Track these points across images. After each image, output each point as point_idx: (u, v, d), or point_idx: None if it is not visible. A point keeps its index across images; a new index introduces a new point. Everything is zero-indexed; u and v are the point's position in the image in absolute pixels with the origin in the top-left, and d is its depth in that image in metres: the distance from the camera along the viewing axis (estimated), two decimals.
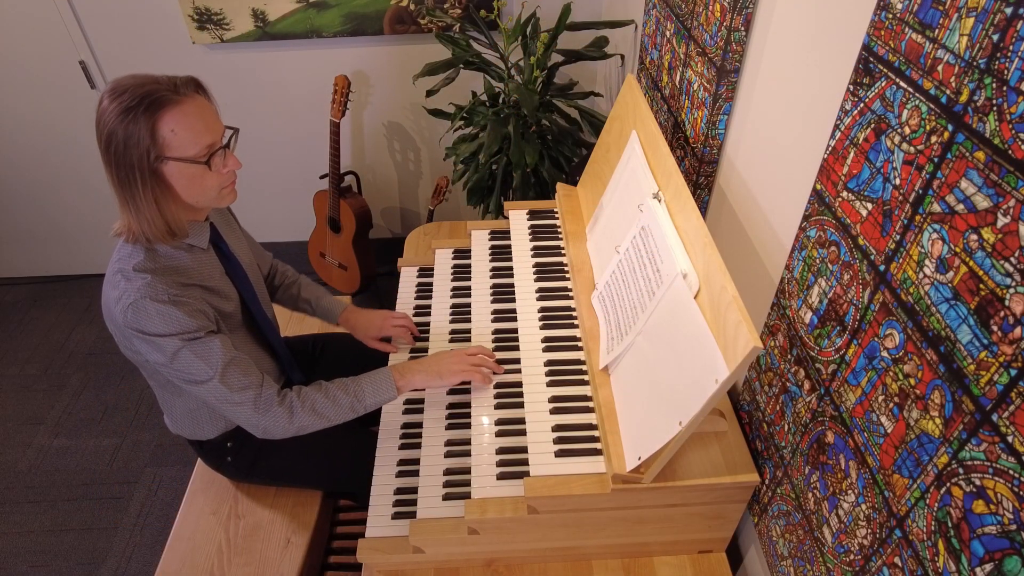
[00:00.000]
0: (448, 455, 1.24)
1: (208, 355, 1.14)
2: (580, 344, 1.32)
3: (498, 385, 1.29)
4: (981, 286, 0.62)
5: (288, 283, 1.59)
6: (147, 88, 1.04)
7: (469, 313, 1.47)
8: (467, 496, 1.14)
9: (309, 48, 2.45)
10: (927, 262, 0.69)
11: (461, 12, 2.34)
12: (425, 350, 1.45)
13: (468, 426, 1.26)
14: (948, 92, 0.65)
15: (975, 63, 0.61)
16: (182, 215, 1.16)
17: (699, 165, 1.34)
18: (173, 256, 1.17)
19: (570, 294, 1.43)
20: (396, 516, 1.19)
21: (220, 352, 1.15)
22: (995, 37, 0.58)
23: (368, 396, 1.26)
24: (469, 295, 1.52)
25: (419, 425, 1.31)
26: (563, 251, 1.54)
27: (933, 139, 0.67)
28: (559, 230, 1.61)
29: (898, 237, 0.74)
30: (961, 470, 0.65)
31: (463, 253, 1.66)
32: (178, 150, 1.07)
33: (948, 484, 0.67)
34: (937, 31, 0.66)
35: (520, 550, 1.17)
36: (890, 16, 0.73)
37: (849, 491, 0.86)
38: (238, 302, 1.31)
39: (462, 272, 1.61)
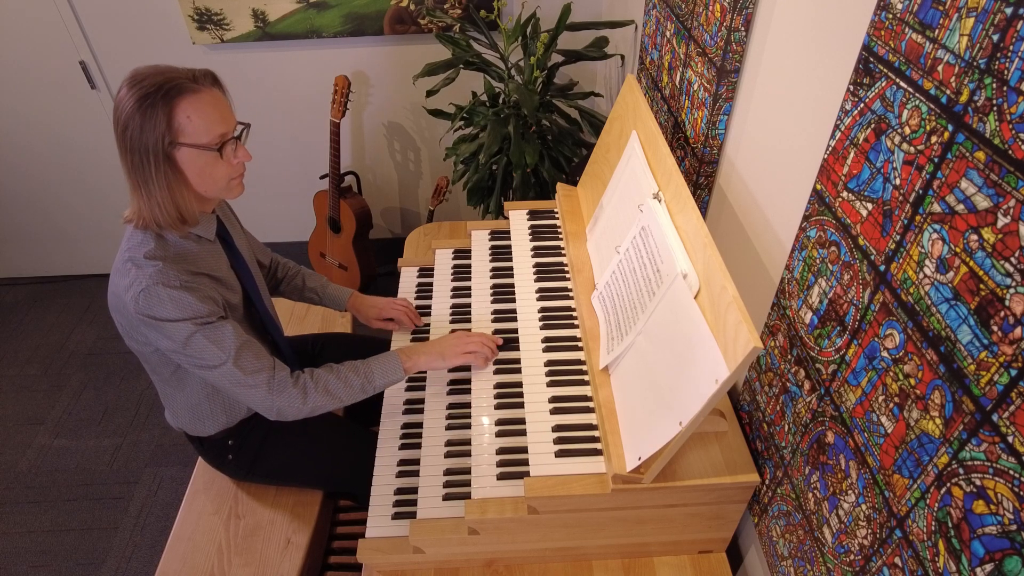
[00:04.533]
0: (448, 455, 1.24)
1: (221, 339, 1.15)
2: (580, 344, 1.31)
3: (498, 385, 1.29)
4: (981, 286, 0.61)
5: (291, 275, 1.61)
6: (166, 76, 1.08)
7: (469, 313, 1.47)
8: (467, 496, 1.14)
9: (309, 48, 2.45)
10: (927, 262, 0.69)
11: (461, 12, 2.34)
12: None
13: (468, 426, 1.26)
14: (948, 92, 0.65)
15: (975, 63, 0.61)
16: (192, 204, 1.17)
17: (699, 165, 1.34)
18: (182, 245, 1.18)
19: (570, 294, 1.43)
20: (396, 516, 1.19)
21: (232, 336, 1.17)
22: (995, 37, 0.58)
23: (378, 377, 1.28)
24: (469, 295, 1.52)
25: (419, 425, 1.31)
26: (563, 251, 1.54)
27: (933, 139, 0.67)
28: (559, 230, 1.61)
29: (898, 237, 0.74)
30: (961, 470, 0.65)
31: (463, 253, 1.66)
32: (192, 136, 1.10)
33: (948, 484, 0.67)
34: (937, 31, 0.66)
35: (520, 550, 1.17)
36: (890, 16, 0.73)
37: (849, 491, 0.86)
38: (242, 296, 1.33)
39: (462, 272, 1.61)
